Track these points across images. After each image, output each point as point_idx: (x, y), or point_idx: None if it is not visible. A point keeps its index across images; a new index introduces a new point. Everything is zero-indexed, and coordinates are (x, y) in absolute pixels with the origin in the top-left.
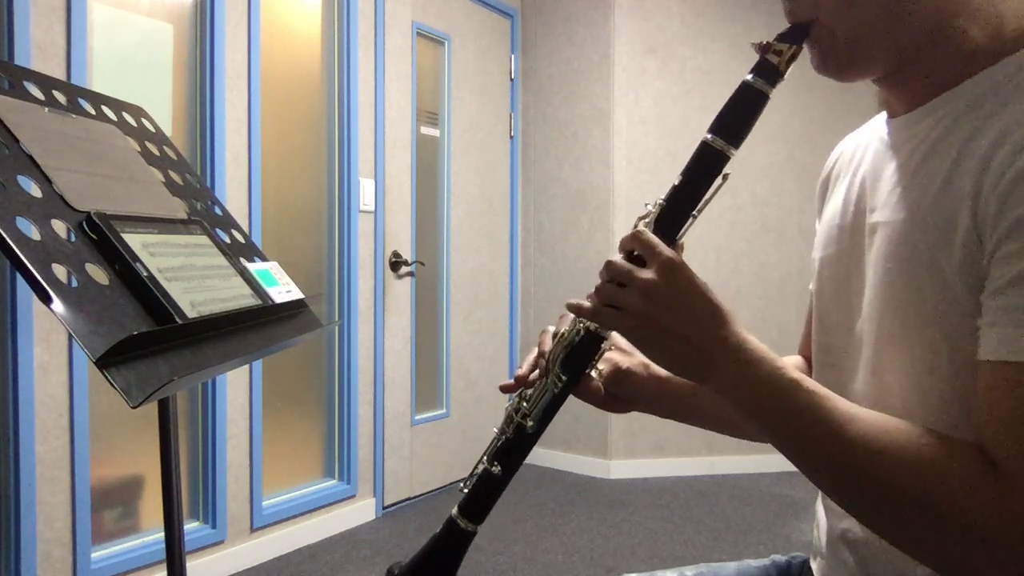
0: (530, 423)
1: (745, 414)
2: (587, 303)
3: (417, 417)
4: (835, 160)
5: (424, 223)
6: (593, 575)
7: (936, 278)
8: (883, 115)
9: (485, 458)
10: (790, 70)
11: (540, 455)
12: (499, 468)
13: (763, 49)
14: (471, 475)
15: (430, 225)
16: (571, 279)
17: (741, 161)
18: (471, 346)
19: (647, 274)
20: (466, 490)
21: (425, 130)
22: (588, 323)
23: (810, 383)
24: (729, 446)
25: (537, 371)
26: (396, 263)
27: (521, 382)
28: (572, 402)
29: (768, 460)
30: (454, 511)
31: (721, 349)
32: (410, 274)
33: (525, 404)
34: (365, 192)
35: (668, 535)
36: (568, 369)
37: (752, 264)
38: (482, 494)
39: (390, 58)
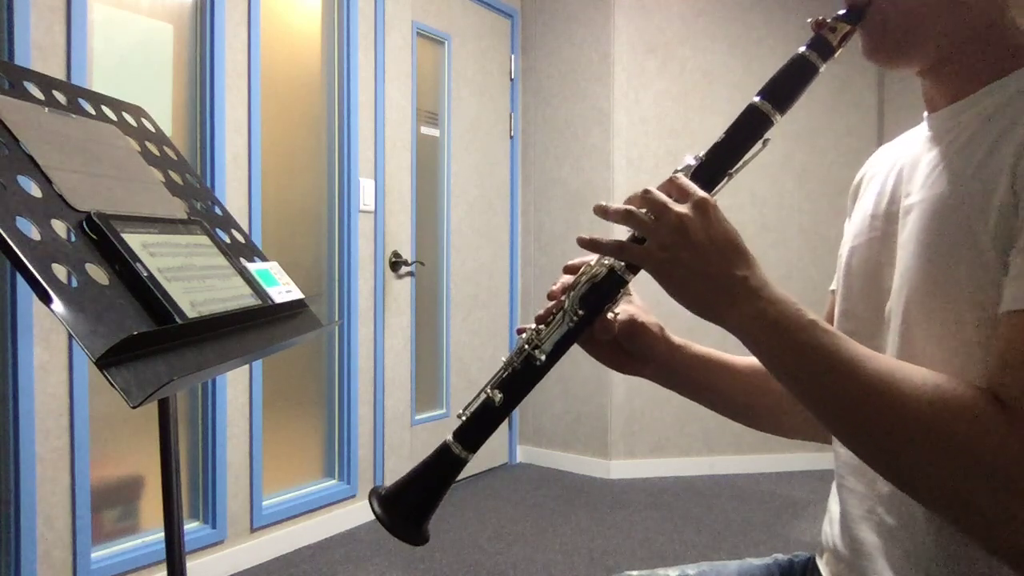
0: (540, 355)
1: (762, 353)
2: (607, 239)
3: (417, 417)
4: (868, 165)
5: (424, 223)
6: (593, 575)
7: (969, 247)
8: (919, 126)
9: (488, 386)
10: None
11: (540, 455)
12: (501, 398)
13: (819, 26)
14: (471, 402)
15: (430, 225)
16: None
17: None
18: (471, 346)
19: (681, 208)
20: (464, 416)
21: (425, 130)
22: (613, 263)
23: (826, 325)
24: (729, 446)
25: (555, 307)
26: (396, 263)
27: (541, 321)
28: (573, 402)
29: (768, 460)
30: (449, 436)
31: (743, 288)
32: (410, 274)
33: (538, 337)
34: (365, 192)
35: (668, 535)
36: (586, 305)
37: None
38: (480, 422)
39: (390, 58)
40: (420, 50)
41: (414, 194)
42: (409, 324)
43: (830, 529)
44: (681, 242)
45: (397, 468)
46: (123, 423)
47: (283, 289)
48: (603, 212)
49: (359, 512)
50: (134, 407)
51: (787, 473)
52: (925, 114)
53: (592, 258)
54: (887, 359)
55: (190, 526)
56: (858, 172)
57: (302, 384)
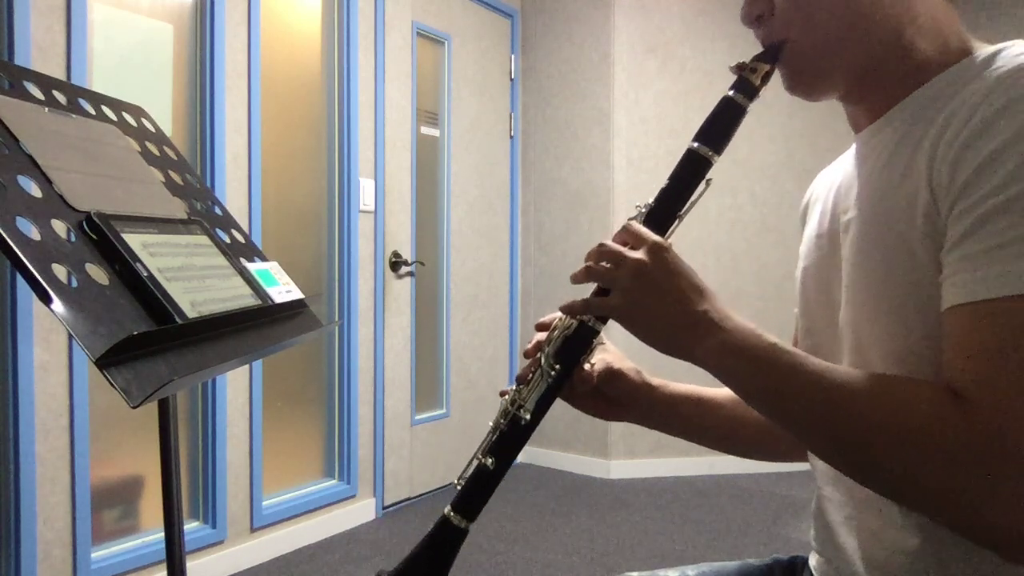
0: (525, 415)
1: (729, 380)
2: (578, 301)
3: (417, 417)
4: (812, 189)
5: (424, 223)
6: (593, 575)
7: (903, 250)
8: (851, 148)
9: (479, 453)
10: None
11: (540, 455)
12: (493, 462)
13: (740, 68)
14: (465, 470)
15: (430, 225)
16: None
17: (741, 161)
18: (471, 346)
19: (636, 254)
20: (460, 485)
21: (425, 130)
22: (582, 316)
23: (787, 345)
24: None
25: (532, 365)
26: (396, 263)
27: (521, 380)
28: None
29: None
30: (447, 508)
31: (705, 322)
32: (410, 274)
33: (520, 397)
34: (365, 192)
35: (668, 535)
36: (561, 359)
37: (752, 264)
38: (476, 489)
39: (390, 58)
40: (420, 50)
41: (414, 194)
42: (409, 324)
43: (815, 534)
44: (641, 286)
45: (397, 468)
46: (123, 423)
47: (283, 289)
48: (573, 279)
49: (359, 512)
50: (134, 407)
51: (787, 473)
52: (853, 135)
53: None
54: (847, 370)
55: (190, 526)
56: (804, 197)
57: (302, 384)
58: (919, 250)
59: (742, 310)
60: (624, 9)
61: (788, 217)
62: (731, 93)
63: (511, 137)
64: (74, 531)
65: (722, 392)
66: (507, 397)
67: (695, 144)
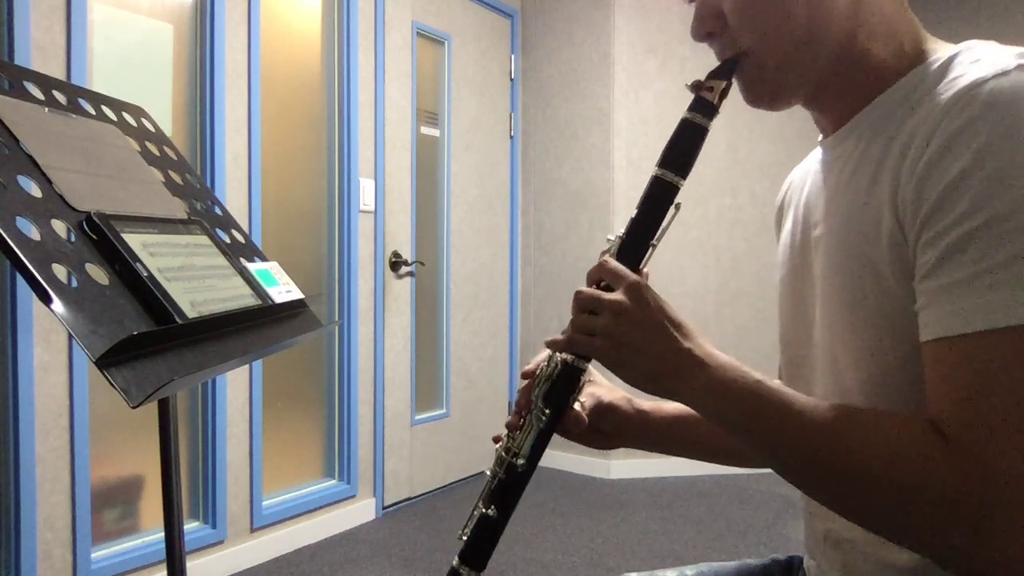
0: (520, 461)
1: (715, 419)
2: (561, 337)
3: (417, 417)
4: (786, 189)
5: (424, 223)
6: (593, 575)
7: (871, 275)
8: (817, 149)
9: (480, 503)
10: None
11: None
12: (494, 510)
13: (696, 87)
14: (467, 523)
15: (430, 225)
16: (571, 279)
17: (741, 161)
18: (471, 346)
19: (615, 296)
20: (465, 537)
21: (425, 130)
22: (566, 356)
23: (773, 383)
24: None
25: (522, 411)
26: (396, 263)
27: (512, 428)
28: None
29: None
30: (455, 561)
31: (688, 360)
32: (410, 274)
33: (514, 443)
34: (365, 192)
35: (668, 535)
36: (551, 403)
37: (752, 264)
38: (481, 539)
39: (390, 58)
40: (420, 50)
41: (414, 194)
42: (409, 324)
43: (806, 541)
44: (622, 328)
45: (397, 468)
46: (123, 423)
47: (283, 289)
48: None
49: (359, 512)
50: (134, 407)
51: None
52: (819, 138)
53: (545, 355)
54: (831, 409)
55: (190, 526)
56: (778, 196)
57: (302, 384)
58: (887, 274)
59: (742, 310)
60: (624, 9)
61: None
62: (688, 115)
63: (511, 137)
64: (74, 531)
65: None
66: (500, 444)
67: (659, 171)
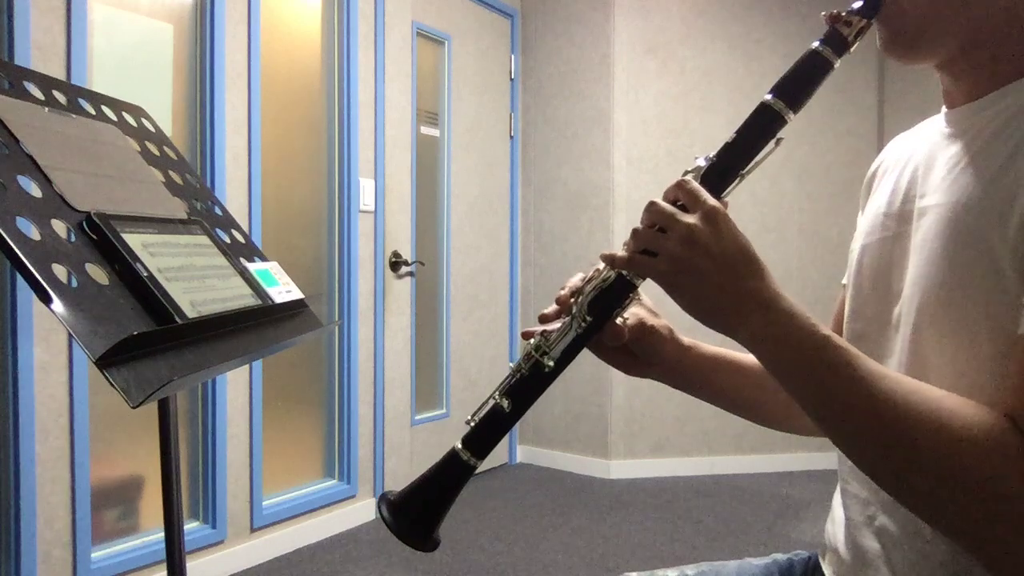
0: (548, 361)
1: (773, 367)
2: (621, 252)
3: (417, 417)
4: (883, 158)
5: (424, 223)
6: (593, 575)
7: (986, 260)
8: (936, 117)
9: (497, 393)
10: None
11: (540, 455)
12: (509, 404)
13: (833, 19)
14: (479, 409)
15: (430, 225)
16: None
17: None
18: (471, 346)
19: (690, 219)
20: (473, 423)
21: (425, 130)
22: (621, 271)
23: (840, 340)
24: (729, 446)
25: (563, 313)
26: (396, 263)
27: (545, 321)
28: (572, 402)
29: (768, 460)
30: (458, 443)
31: (754, 301)
32: (410, 274)
33: (546, 343)
34: (365, 192)
35: (668, 535)
36: (595, 310)
37: None
38: (488, 429)
39: (390, 58)
40: (420, 50)
41: (414, 194)
42: (409, 324)
43: (833, 531)
44: (690, 254)
45: (397, 468)
46: (123, 423)
47: (283, 289)
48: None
49: (359, 512)
50: (134, 407)
51: (787, 473)
52: (943, 109)
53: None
54: (903, 380)
55: (190, 526)
56: (872, 163)
57: (302, 384)
58: (1005, 263)
59: None
60: (624, 9)
61: (788, 217)
62: (818, 46)
63: (511, 137)
64: (74, 531)
65: (752, 358)
66: (532, 341)
67: (769, 97)
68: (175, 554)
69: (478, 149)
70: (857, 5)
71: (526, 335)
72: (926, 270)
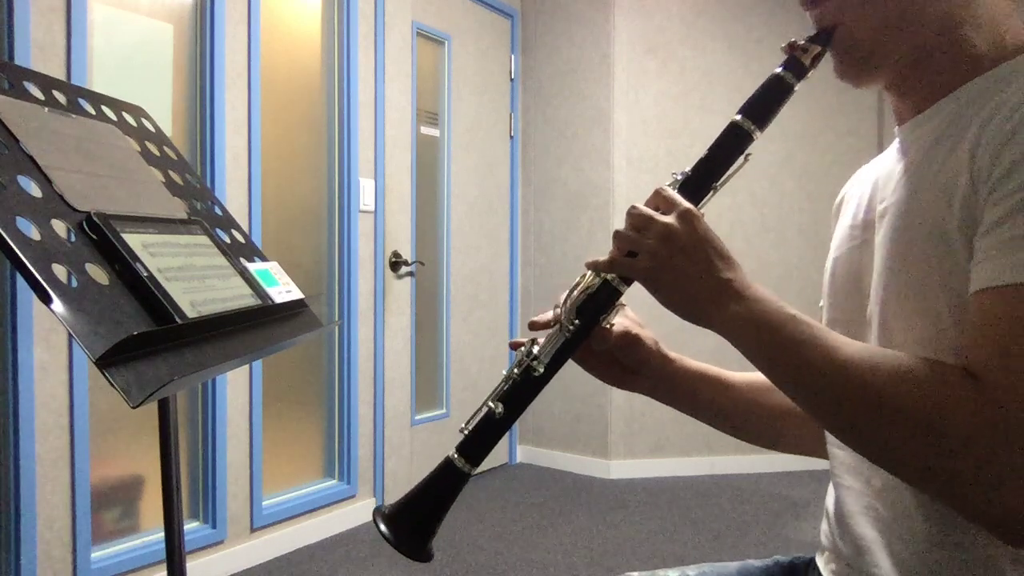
0: (539, 367)
1: (748, 350)
2: (604, 259)
3: (417, 417)
4: (847, 187)
5: (424, 223)
6: (593, 575)
7: (939, 238)
8: (893, 142)
9: (490, 399)
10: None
11: (540, 455)
12: (502, 410)
13: (792, 48)
14: (473, 416)
15: (430, 225)
16: (571, 279)
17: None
18: (471, 346)
19: (667, 219)
20: (467, 431)
21: (425, 130)
22: (606, 275)
23: (807, 318)
24: (729, 446)
25: (552, 323)
26: (396, 263)
27: (534, 328)
28: (572, 402)
29: (768, 460)
30: (452, 452)
31: (727, 289)
32: (410, 274)
33: (536, 348)
34: (365, 192)
35: (668, 535)
36: (582, 315)
37: (752, 264)
38: (482, 435)
39: (390, 58)
40: (420, 50)
41: (414, 194)
42: (409, 324)
43: (828, 528)
44: (667, 249)
45: (397, 468)
46: (123, 423)
47: (283, 289)
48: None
49: (359, 512)
50: (134, 407)
51: (787, 473)
52: (896, 128)
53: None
54: (864, 346)
55: (190, 526)
56: (840, 191)
57: (302, 384)
58: (955, 237)
59: None
60: (624, 9)
61: (788, 217)
62: (780, 71)
63: (511, 137)
64: (74, 531)
65: (737, 375)
66: (523, 348)
67: (738, 117)
68: (175, 554)
69: (478, 149)
70: (812, 35)
71: (514, 345)
72: (887, 262)
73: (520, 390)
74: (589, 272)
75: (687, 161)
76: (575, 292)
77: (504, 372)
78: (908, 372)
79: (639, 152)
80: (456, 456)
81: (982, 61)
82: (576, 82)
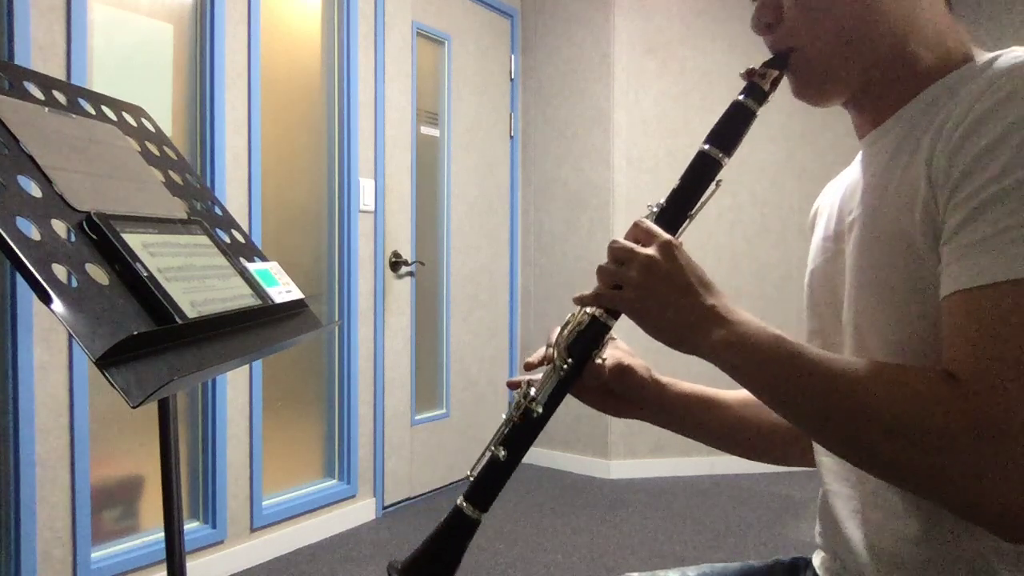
0: (537, 407)
1: (735, 372)
2: (589, 293)
3: (417, 417)
4: (819, 200)
5: (424, 223)
6: (593, 575)
7: (903, 243)
8: (857, 155)
9: (492, 444)
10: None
11: (540, 455)
12: (506, 453)
13: (750, 74)
14: (478, 462)
15: (430, 225)
16: (571, 279)
17: (741, 161)
18: (471, 346)
19: (647, 250)
20: (473, 477)
21: (425, 130)
22: (593, 311)
23: (791, 337)
24: None
25: (545, 361)
26: (396, 263)
27: (529, 369)
28: (573, 402)
29: None
30: (460, 499)
31: (711, 315)
32: (410, 274)
33: (533, 390)
34: (365, 192)
35: (668, 535)
36: (574, 353)
37: (752, 264)
38: (489, 480)
39: (390, 58)
40: (420, 50)
41: (414, 194)
42: (409, 324)
43: (821, 533)
44: (650, 280)
45: (397, 468)
46: (123, 423)
47: (283, 289)
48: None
49: (359, 512)
50: (134, 407)
51: (787, 473)
52: (859, 141)
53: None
54: (846, 358)
55: (190, 526)
56: (814, 204)
57: (302, 384)
58: (919, 242)
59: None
60: (624, 9)
61: (788, 217)
62: (741, 98)
63: (511, 137)
64: (74, 531)
65: (729, 394)
66: (519, 391)
67: (706, 146)
68: (175, 554)
69: (478, 149)
70: (769, 60)
71: (512, 385)
72: (858, 268)
73: (521, 432)
74: (578, 309)
75: (687, 161)
76: (565, 331)
77: (504, 415)
78: (891, 378)
79: (639, 152)
80: (465, 504)
81: (931, 72)
82: (576, 82)
